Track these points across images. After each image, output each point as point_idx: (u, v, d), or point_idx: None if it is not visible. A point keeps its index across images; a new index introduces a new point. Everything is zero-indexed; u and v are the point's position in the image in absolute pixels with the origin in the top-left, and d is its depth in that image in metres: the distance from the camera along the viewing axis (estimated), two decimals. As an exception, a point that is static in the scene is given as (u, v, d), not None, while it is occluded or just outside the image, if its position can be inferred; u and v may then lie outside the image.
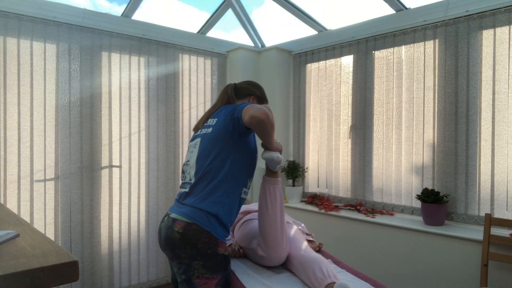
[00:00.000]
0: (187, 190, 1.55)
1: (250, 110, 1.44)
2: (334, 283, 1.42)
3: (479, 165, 2.37)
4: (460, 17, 2.44)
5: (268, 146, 1.61)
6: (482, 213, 2.35)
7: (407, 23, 2.71)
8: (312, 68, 3.44)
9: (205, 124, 1.66)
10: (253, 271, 1.72)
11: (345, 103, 3.15)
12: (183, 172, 1.68)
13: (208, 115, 1.69)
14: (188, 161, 1.63)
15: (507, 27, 2.26)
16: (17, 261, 0.75)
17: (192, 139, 1.69)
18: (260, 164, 2.03)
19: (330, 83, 3.27)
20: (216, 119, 1.60)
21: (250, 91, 1.76)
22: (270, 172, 1.69)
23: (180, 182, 1.74)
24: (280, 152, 1.68)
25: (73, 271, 0.75)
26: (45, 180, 2.57)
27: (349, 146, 3.11)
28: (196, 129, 1.72)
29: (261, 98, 1.79)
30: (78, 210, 2.71)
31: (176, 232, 1.46)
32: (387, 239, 2.62)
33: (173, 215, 1.52)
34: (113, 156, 2.87)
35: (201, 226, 1.45)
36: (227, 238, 2.01)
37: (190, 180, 1.56)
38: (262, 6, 3.52)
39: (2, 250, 0.82)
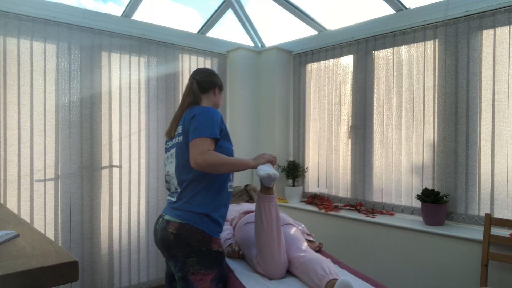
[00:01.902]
0: (175, 199, 1.59)
1: (190, 154, 1.44)
2: (335, 280, 1.42)
3: (479, 165, 2.37)
4: (460, 17, 2.44)
5: (252, 167, 1.58)
6: (482, 213, 2.35)
7: (407, 23, 2.70)
8: (312, 68, 3.44)
9: (176, 132, 1.65)
10: (253, 271, 1.73)
11: (345, 103, 3.15)
12: (167, 181, 1.71)
13: (177, 120, 1.67)
14: (168, 171, 1.66)
15: (507, 27, 2.26)
16: (17, 261, 0.75)
17: (168, 149, 1.69)
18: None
19: (330, 83, 3.27)
20: (181, 127, 1.60)
21: (213, 84, 1.73)
22: (265, 188, 1.68)
23: (167, 190, 1.76)
24: (273, 162, 1.65)
25: (73, 271, 0.75)
26: (45, 180, 2.57)
27: (349, 146, 3.11)
28: (168, 135, 1.71)
29: (220, 85, 1.78)
30: (78, 210, 2.71)
31: (170, 233, 1.51)
32: (387, 239, 2.62)
33: (166, 217, 1.57)
34: (113, 156, 2.86)
35: (194, 226, 1.50)
36: (228, 238, 2.02)
37: (176, 189, 1.60)
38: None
39: (2, 250, 0.82)
